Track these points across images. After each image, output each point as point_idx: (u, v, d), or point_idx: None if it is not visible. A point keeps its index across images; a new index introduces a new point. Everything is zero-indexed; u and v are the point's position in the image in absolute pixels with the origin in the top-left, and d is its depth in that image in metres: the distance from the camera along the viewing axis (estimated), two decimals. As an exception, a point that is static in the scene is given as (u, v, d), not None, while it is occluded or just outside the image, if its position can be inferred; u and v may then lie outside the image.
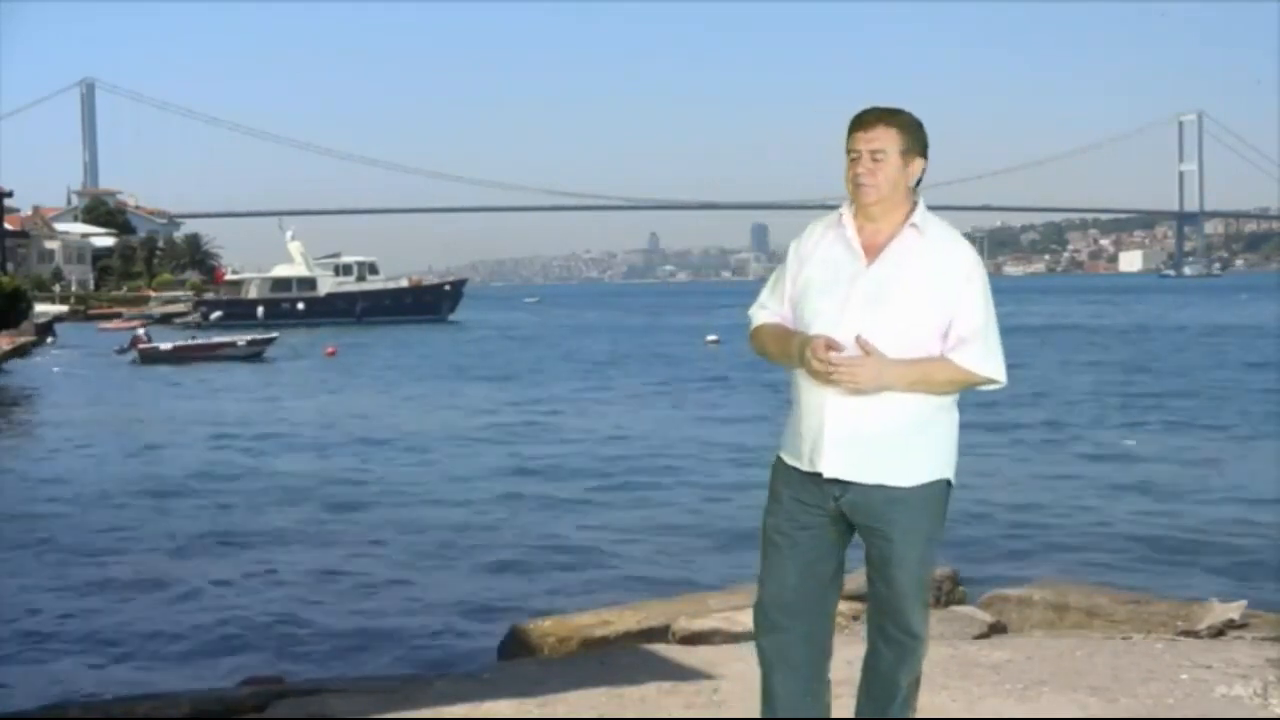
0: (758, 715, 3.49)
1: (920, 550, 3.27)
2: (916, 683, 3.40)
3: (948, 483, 3.31)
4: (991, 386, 3.31)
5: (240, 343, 40.70)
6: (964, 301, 3.22)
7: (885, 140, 3.24)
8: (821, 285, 3.27)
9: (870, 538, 3.30)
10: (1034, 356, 33.42)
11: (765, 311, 3.42)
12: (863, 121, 3.27)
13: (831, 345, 3.16)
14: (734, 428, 19.71)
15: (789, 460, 3.35)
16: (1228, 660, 4.87)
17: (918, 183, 3.31)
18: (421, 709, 4.56)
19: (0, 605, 9.17)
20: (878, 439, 3.20)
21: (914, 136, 3.27)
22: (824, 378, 3.18)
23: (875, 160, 3.23)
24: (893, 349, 3.17)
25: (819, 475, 3.25)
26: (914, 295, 3.19)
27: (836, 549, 3.36)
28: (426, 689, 4.93)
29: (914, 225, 3.26)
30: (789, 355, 3.28)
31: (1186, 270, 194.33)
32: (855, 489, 3.23)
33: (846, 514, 3.28)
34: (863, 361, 3.14)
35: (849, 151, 3.27)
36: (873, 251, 3.25)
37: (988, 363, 3.25)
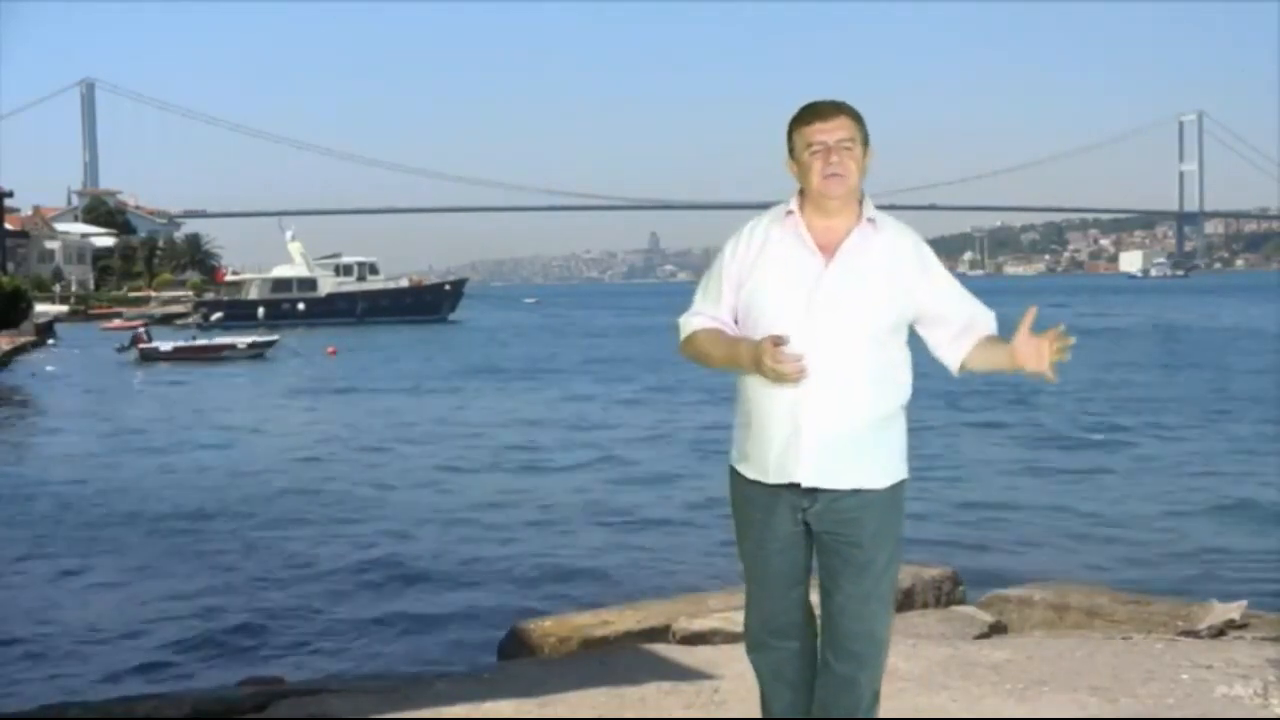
0: (757, 716, 3.48)
1: (888, 554, 3.19)
2: (878, 693, 3.27)
3: (908, 484, 3.27)
4: None
5: (241, 344, 40.55)
6: (940, 286, 3.21)
7: (849, 130, 3.14)
8: (779, 287, 3.13)
9: (837, 545, 3.16)
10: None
11: (699, 318, 3.26)
12: (821, 112, 3.15)
13: (779, 341, 3.03)
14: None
15: (751, 475, 3.22)
16: (1228, 660, 4.86)
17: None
18: (421, 709, 4.55)
19: None
20: (851, 441, 3.11)
21: (866, 127, 3.20)
22: (784, 378, 3.05)
23: (845, 149, 3.12)
24: (858, 347, 3.09)
25: (786, 486, 3.14)
26: (875, 293, 3.12)
27: (809, 566, 3.27)
28: (426, 689, 4.92)
29: (870, 220, 3.17)
30: (736, 360, 3.14)
31: (1153, 272, 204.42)
32: (824, 498, 3.13)
33: (811, 523, 3.17)
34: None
35: (808, 145, 3.13)
36: (829, 249, 3.14)
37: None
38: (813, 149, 3.13)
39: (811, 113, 3.16)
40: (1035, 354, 3.13)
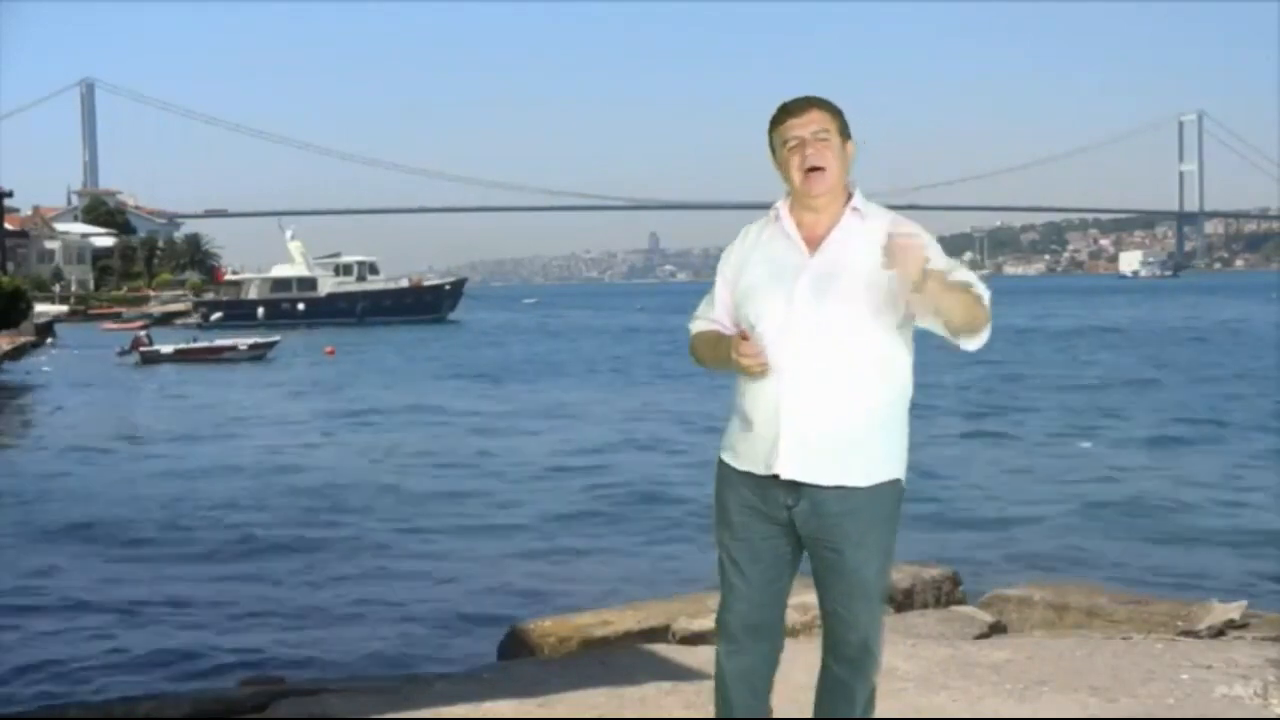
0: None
1: (875, 562, 3.15)
2: (874, 692, 3.27)
3: (900, 486, 3.20)
4: (981, 335, 3.11)
5: (242, 346, 40.42)
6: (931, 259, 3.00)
7: (823, 122, 3.14)
8: (765, 283, 3.15)
9: (819, 550, 3.16)
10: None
11: (699, 322, 3.34)
12: (792, 109, 3.16)
13: (746, 335, 3.09)
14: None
15: (740, 466, 3.22)
16: (1228, 660, 4.86)
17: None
18: (421, 709, 4.55)
19: None
20: (833, 436, 3.09)
21: (844, 119, 3.18)
22: (750, 371, 3.10)
23: (821, 140, 3.12)
24: (843, 339, 3.07)
25: (773, 479, 3.13)
26: (861, 283, 3.07)
27: (793, 563, 3.24)
28: (426, 689, 4.92)
29: (855, 209, 3.16)
30: (721, 359, 3.19)
31: (1143, 272, 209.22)
32: (808, 495, 3.11)
33: (796, 525, 3.15)
34: (920, 245, 2.91)
35: (785, 142, 3.15)
36: (814, 242, 3.14)
37: (986, 293, 3.10)
38: (789, 145, 3.16)
39: (784, 111, 3.19)
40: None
